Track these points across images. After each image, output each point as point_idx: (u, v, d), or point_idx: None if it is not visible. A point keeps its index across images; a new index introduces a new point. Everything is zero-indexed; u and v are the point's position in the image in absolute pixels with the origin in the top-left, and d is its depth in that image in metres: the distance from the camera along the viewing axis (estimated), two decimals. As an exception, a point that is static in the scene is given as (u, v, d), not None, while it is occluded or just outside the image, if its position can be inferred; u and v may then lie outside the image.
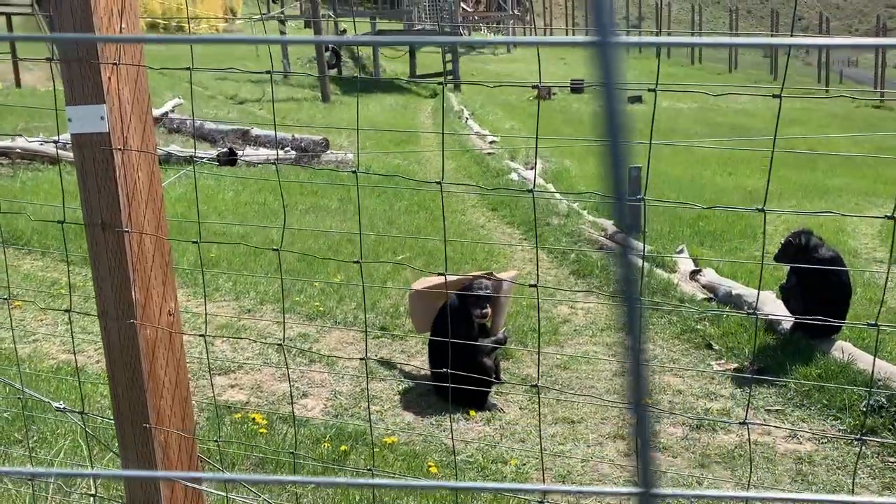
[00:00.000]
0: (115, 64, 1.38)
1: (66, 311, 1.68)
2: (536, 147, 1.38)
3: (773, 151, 1.11)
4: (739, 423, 1.17)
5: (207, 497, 2.43)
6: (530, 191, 1.19)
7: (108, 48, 1.42)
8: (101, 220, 1.45)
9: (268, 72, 1.37)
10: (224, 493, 2.55)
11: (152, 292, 1.49)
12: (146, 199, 1.46)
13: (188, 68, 1.36)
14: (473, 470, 3.22)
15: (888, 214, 1.13)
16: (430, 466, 3.16)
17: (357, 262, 1.38)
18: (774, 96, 1.09)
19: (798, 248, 4.31)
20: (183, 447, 1.56)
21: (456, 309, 3.87)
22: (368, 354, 4.40)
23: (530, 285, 1.31)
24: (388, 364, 4.32)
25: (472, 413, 3.76)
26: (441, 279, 4.08)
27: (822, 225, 7.36)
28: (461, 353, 3.79)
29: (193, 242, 1.42)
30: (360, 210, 1.77)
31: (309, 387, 3.95)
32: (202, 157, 9.03)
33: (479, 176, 10.06)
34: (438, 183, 1.25)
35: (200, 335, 1.71)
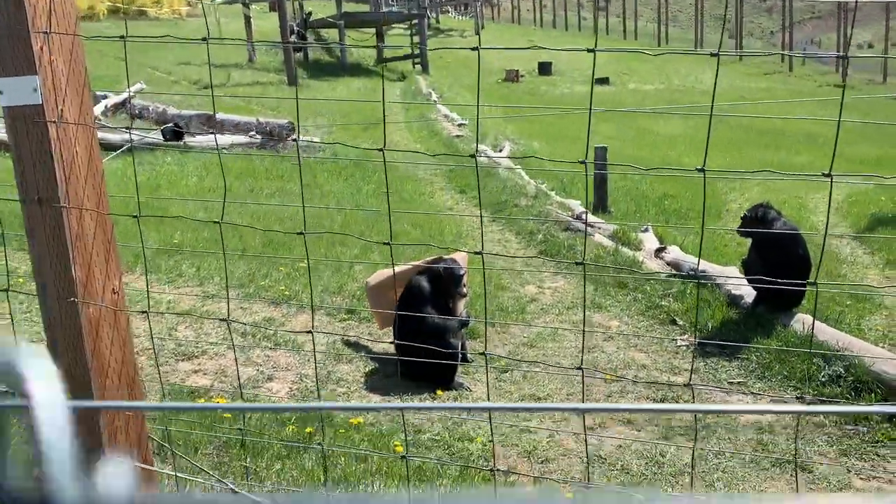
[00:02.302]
0: (45, 33, 1.33)
1: (3, 290, 1.63)
2: (478, 106, 1.37)
3: (711, 112, 1.11)
4: (683, 384, 1.18)
5: (166, 480, 2.39)
6: (473, 156, 1.18)
7: (39, 19, 1.37)
8: (38, 196, 1.40)
9: (203, 39, 1.33)
10: (186, 476, 2.52)
11: (94, 269, 1.45)
12: (85, 173, 1.42)
13: (122, 38, 1.31)
14: (440, 448, 3.22)
15: (824, 172, 1.15)
16: (395, 445, 3.16)
17: (301, 233, 1.36)
18: (712, 54, 1.09)
19: (756, 221, 4.37)
20: (132, 427, 1.53)
21: (422, 290, 3.88)
22: (335, 337, 4.38)
23: (475, 252, 1.31)
24: (354, 346, 4.30)
25: (440, 392, 3.77)
26: (395, 271, 4.07)
27: (785, 202, 7.47)
28: (427, 333, 3.79)
29: (133, 217, 1.39)
30: (301, 175, 1.73)
31: (274, 370, 3.92)
32: (144, 135, 8.87)
33: (448, 158, 10.02)
34: (380, 150, 1.23)
35: (143, 312, 1.67)
